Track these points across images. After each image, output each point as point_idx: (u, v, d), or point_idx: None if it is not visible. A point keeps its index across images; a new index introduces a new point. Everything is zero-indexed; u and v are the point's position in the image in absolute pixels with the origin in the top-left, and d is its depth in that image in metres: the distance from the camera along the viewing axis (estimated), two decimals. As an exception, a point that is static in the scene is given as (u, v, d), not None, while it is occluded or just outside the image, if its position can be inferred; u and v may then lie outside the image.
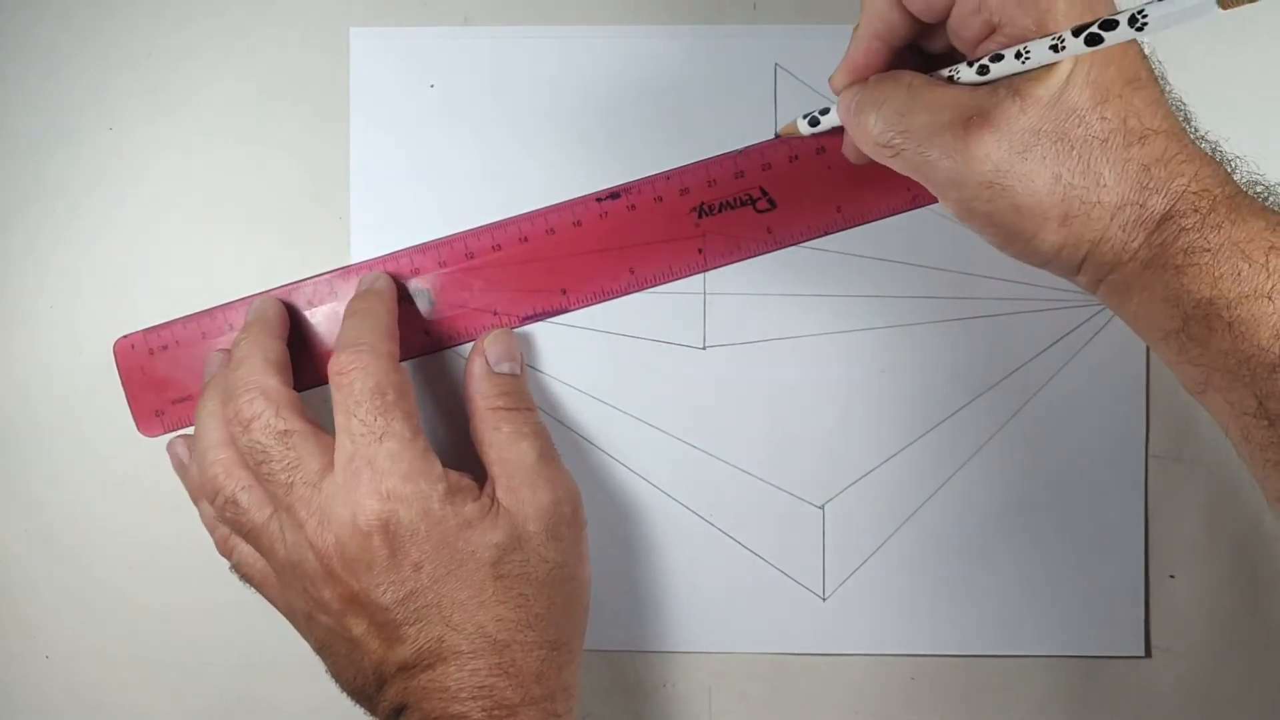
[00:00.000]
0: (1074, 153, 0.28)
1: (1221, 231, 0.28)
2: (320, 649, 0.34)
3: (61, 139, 0.38)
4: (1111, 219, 0.29)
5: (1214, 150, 0.30)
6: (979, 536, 0.38)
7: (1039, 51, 0.27)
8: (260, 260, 0.38)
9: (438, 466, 0.33)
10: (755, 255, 0.37)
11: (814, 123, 0.35)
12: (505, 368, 0.36)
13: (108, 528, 0.39)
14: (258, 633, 0.39)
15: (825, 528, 0.38)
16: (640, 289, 0.38)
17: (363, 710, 0.34)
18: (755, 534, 0.38)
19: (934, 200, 0.37)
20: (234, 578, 0.36)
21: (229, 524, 0.35)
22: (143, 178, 0.38)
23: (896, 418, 0.38)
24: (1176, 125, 0.29)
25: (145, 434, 0.38)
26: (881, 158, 0.31)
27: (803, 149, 0.37)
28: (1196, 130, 0.30)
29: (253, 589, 0.35)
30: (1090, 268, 0.30)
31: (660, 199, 0.37)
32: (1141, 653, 0.38)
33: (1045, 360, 0.38)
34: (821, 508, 0.38)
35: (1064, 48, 0.27)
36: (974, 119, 0.29)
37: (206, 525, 0.36)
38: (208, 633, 0.39)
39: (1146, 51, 0.29)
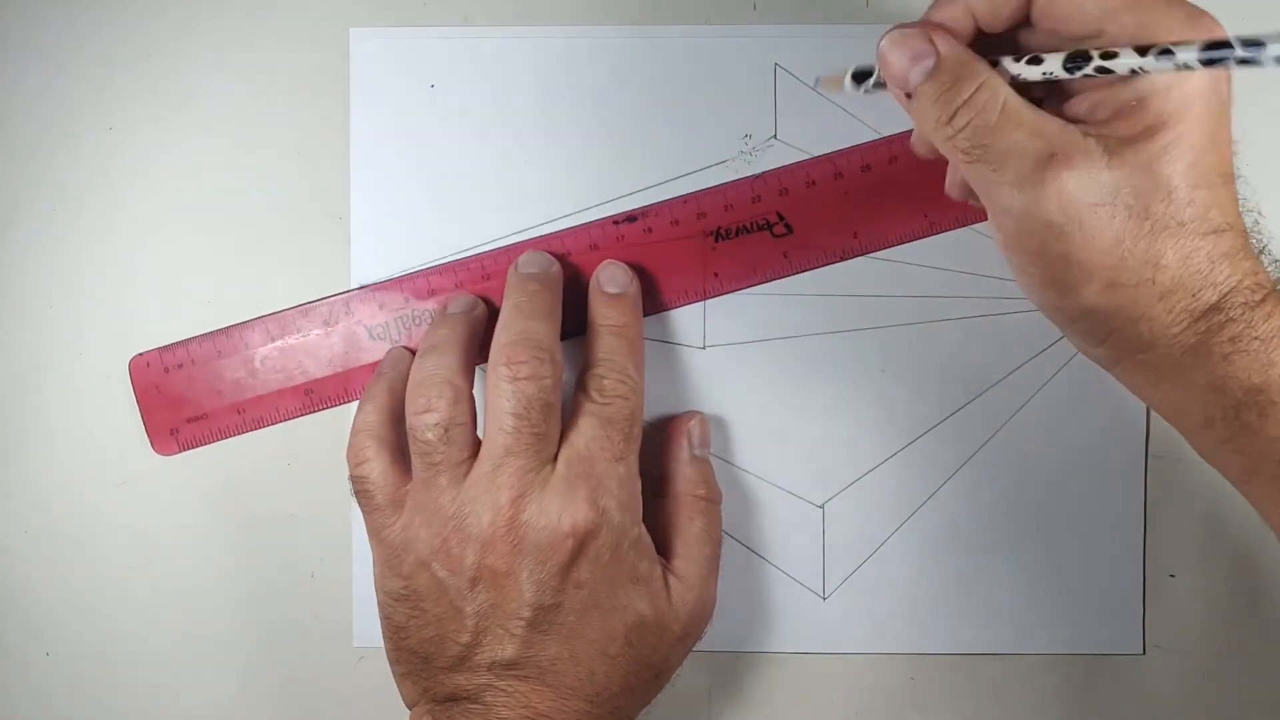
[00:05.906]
0: (1146, 225, 0.28)
1: (1272, 320, 0.28)
2: (406, 595, 0.33)
3: (61, 139, 0.38)
4: (1159, 301, 0.28)
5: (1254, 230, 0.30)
6: (979, 536, 0.38)
7: (1152, 62, 0.26)
8: (261, 259, 0.38)
9: (642, 512, 0.33)
10: (771, 280, 0.37)
11: (860, 79, 0.31)
12: (702, 453, 0.37)
13: (108, 528, 0.39)
14: (259, 632, 0.39)
15: (825, 528, 0.38)
16: (655, 312, 0.37)
17: (399, 672, 0.33)
18: (755, 534, 0.38)
19: (951, 227, 0.37)
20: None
21: (418, 443, 0.32)
22: (143, 177, 0.38)
23: (896, 418, 0.38)
24: (1244, 222, 0.29)
25: (160, 452, 0.38)
26: (953, 156, 0.30)
27: (820, 175, 0.37)
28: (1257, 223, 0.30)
29: (361, 504, 0.34)
30: (1118, 342, 0.30)
31: (677, 222, 0.37)
32: (1138, 650, 0.38)
33: (1045, 360, 0.38)
34: (821, 508, 0.38)
35: (1184, 63, 0.26)
36: (1057, 156, 0.28)
37: (357, 423, 0.34)
38: (208, 633, 0.39)
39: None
